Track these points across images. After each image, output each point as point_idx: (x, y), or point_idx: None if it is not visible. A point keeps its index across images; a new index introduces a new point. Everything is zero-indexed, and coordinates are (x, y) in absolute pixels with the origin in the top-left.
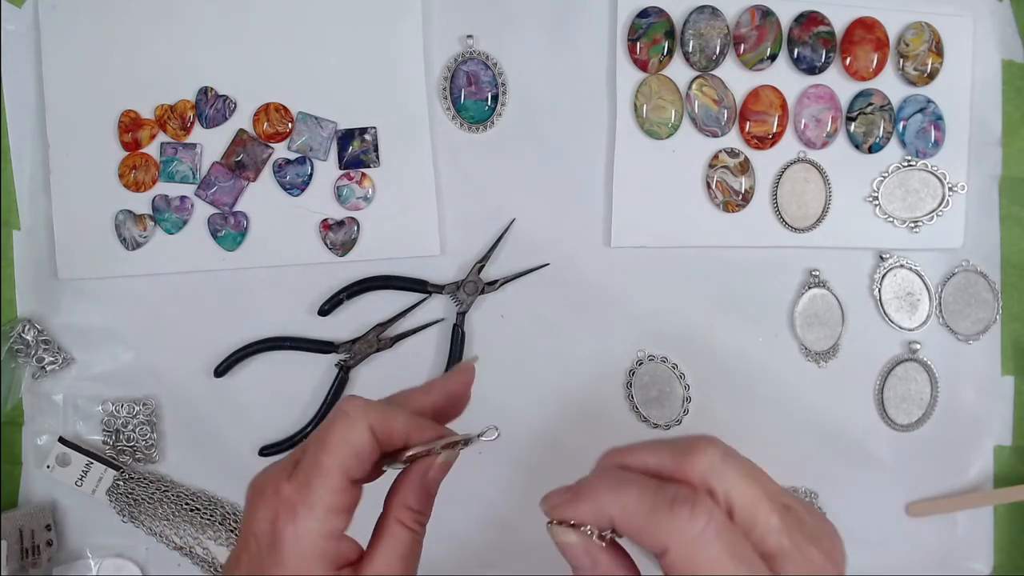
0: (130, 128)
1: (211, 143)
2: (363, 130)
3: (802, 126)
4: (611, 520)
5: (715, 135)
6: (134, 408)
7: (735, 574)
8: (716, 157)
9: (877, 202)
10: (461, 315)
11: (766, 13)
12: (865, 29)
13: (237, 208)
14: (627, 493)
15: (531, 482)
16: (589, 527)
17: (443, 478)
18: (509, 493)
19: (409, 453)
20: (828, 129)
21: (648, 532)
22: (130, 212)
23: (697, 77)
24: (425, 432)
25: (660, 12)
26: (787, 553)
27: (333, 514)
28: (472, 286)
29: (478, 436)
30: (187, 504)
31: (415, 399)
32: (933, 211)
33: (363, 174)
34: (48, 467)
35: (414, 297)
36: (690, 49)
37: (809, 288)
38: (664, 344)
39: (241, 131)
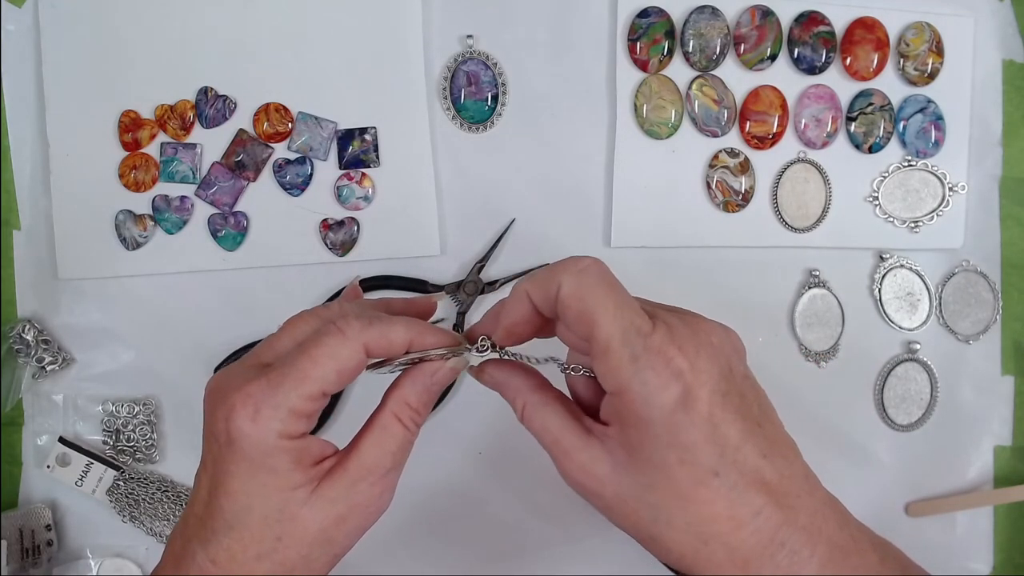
0: (130, 128)
1: (211, 143)
2: (363, 130)
3: (802, 126)
4: (530, 300)
5: (715, 135)
6: (134, 408)
7: (613, 295)
8: (716, 157)
9: (877, 202)
10: (461, 315)
11: (766, 13)
12: (865, 29)
13: (237, 208)
14: (535, 276)
15: (531, 481)
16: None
17: (449, 383)
18: (508, 493)
19: (400, 360)
20: (828, 129)
21: (546, 284)
22: (130, 212)
23: (697, 77)
24: (427, 337)
25: (660, 12)
26: (656, 313)
27: (295, 417)
28: (472, 286)
29: (472, 348)
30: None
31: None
32: (933, 211)
33: (363, 174)
34: (48, 467)
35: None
36: (690, 49)
37: (809, 288)
38: None
39: (241, 131)
